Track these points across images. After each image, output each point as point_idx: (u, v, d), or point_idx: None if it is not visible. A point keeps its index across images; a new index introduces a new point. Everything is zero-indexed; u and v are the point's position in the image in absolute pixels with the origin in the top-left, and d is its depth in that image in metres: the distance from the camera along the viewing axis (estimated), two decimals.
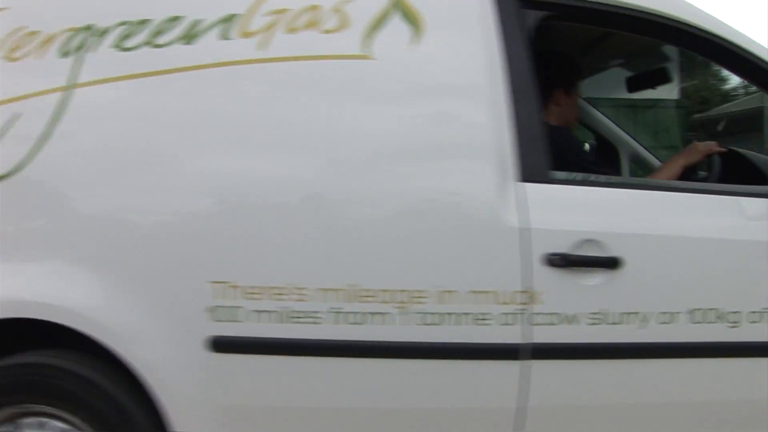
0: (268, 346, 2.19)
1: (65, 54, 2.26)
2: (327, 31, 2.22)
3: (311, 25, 2.23)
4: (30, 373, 2.21)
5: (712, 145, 2.81)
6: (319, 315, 2.15)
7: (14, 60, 2.27)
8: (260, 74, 2.24)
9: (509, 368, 2.17)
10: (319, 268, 2.17)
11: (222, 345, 2.17)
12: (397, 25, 2.21)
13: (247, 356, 2.20)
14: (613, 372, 2.23)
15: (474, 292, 2.14)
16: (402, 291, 2.15)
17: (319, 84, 2.24)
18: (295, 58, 2.23)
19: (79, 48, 2.26)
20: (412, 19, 2.21)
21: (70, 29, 2.27)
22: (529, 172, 2.18)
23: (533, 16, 2.29)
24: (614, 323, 2.17)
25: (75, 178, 2.24)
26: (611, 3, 2.32)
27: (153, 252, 2.21)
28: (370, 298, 2.15)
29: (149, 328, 2.18)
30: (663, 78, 3.51)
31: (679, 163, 2.75)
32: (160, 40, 2.24)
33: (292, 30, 2.22)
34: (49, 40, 2.27)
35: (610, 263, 2.15)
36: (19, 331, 2.20)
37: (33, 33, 2.28)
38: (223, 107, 2.23)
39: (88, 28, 2.27)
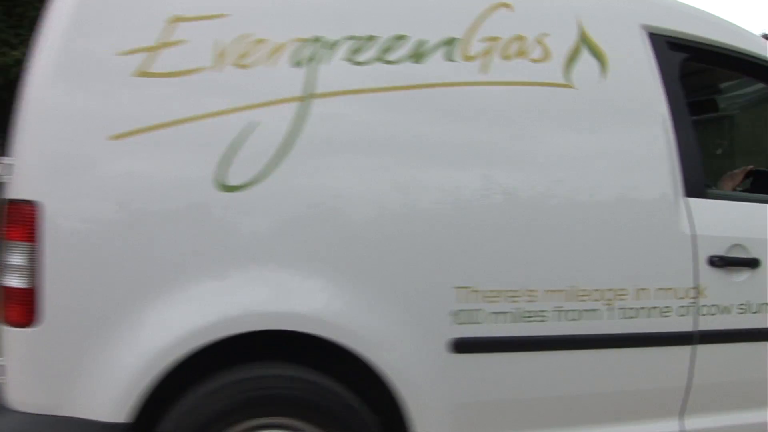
0: (503, 344, 2.44)
1: (298, 64, 2.32)
2: (534, 60, 2.52)
3: (521, 54, 2.51)
4: (265, 386, 2.24)
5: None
6: (545, 313, 2.44)
7: (244, 67, 2.29)
8: (482, 96, 2.48)
9: (683, 352, 2.60)
10: (545, 272, 2.46)
11: (463, 346, 2.37)
12: (587, 58, 2.55)
13: (484, 355, 2.42)
14: (755, 352, 2.73)
15: (661, 289, 2.56)
16: (609, 290, 2.51)
17: (533, 107, 2.53)
18: (512, 83, 2.50)
19: (312, 59, 2.32)
20: (598, 54, 2.60)
21: (299, 39, 2.33)
22: (691, 188, 2.63)
23: (678, 57, 2.76)
24: (755, 312, 2.68)
25: (317, 190, 2.31)
26: (745, 51, 2.85)
27: (400, 263, 2.34)
28: (585, 297, 2.48)
29: (396, 333, 2.32)
30: (712, 108, 4.01)
31: (729, 185, 3.37)
32: (391, 57, 2.39)
33: (506, 57, 2.49)
34: (279, 49, 2.31)
35: (752, 263, 2.66)
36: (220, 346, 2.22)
37: (260, 41, 2.30)
38: (451, 125, 2.44)
39: (317, 39, 2.34)
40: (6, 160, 2.25)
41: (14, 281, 2.17)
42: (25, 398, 2.21)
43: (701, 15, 2.91)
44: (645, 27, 2.71)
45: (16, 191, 2.17)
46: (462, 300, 2.36)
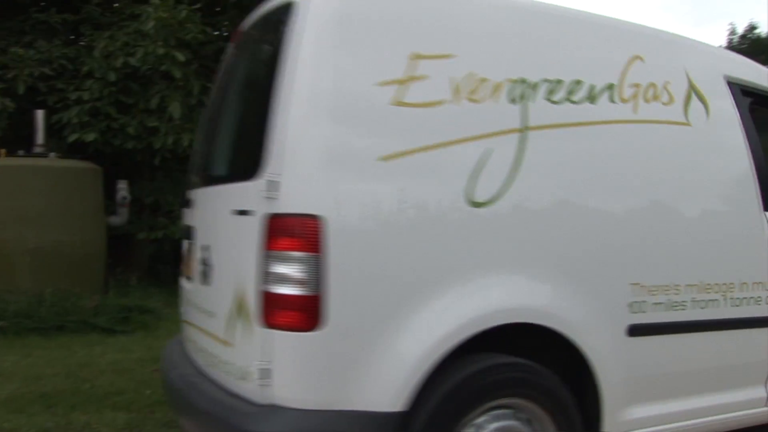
0: (660, 328, 3.20)
1: (513, 101, 2.90)
2: (664, 104, 3.36)
3: (656, 98, 3.32)
4: (512, 370, 2.77)
5: None
6: (685, 303, 3.29)
7: (475, 101, 2.81)
8: (635, 131, 3.25)
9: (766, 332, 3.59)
10: (684, 270, 3.32)
11: (635, 330, 3.12)
12: (696, 102, 3.45)
13: (647, 338, 3.17)
14: None
15: (755, 282, 3.52)
16: (724, 284, 3.41)
17: (667, 140, 3.35)
18: (653, 121, 3.31)
19: (522, 97, 2.91)
20: (702, 99, 3.49)
21: (510, 80, 2.90)
22: (766, 204, 3.61)
23: (747, 101, 3.71)
24: None
25: (539, 208, 2.92)
26: None
27: (595, 266, 3.05)
28: (710, 290, 3.37)
29: (591, 321, 2.97)
30: None
31: None
32: (575, 98, 3.06)
33: (647, 100, 3.29)
34: (498, 87, 2.87)
35: None
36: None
37: (484, 80, 2.83)
38: (622, 156, 3.21)
39: (523, 80, 2.93)
40: (270, 177, 2.56)
41: (294, 290, 2.46)
42: (302, 396, 2.47)
43: (760, 69, 3.94)
44: (726, 77, 3.64)
45: (296, 206, 2.49)
46: (635, 294, 3.12)
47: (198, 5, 9.95)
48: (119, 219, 9.81)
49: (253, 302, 2.57)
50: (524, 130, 2.87)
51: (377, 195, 2.57)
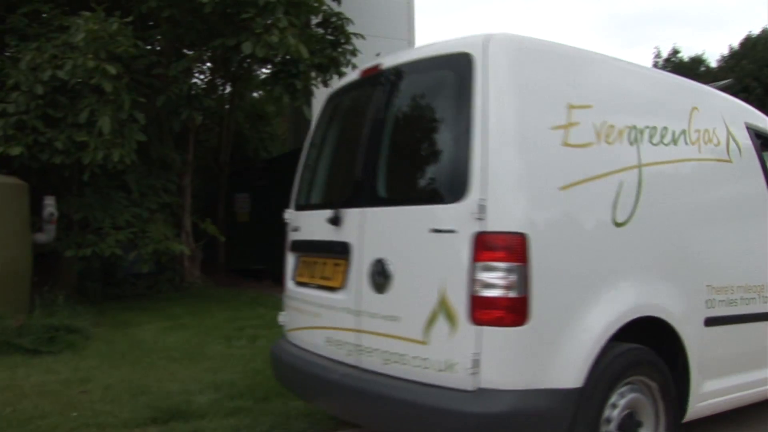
0: (725, 320, 4.07)
1: (630, 143, 3.70)
2: (715, 145, 4.26)
3: (709, 141, 4.22)
4: (640, 354, 3.53)
5: None
6: (737, 301, 4.19)
7: (609, 143, 3.59)
8: (702, 167, 4.15)
9: None
10: (736, 275, 4.23)
11: (709, 322, 3.97)
12: (732, 143, 4.39)
13: (715, 327, 3.98)
14: None
15: None
16: (758, 285, 4.34)
17: (719, 173, 4.28)
18: (711, 159, 4.22)
19: (635, 140, 3.72)
20: (736, 140, 4.41)
21: (627, 126, 3.69)
22: None
23: (759, 142, 4.65)
24: None
25: (652, 225, 3.73)
26: None
27: (690, 273, 3.94)
28: (750, 290, 4.29)
29: (686, 315, 3.80)
30: None
31: None
32: (665, 141, 3.90)
33: (706, 142, 4.18)
34: (621, 132, 3.65)
35: None
36: None
37: (612, 126, 3.60)
38: (694, 184, 4.09)
39: (634, 127, 3.73)
40: (479, 201, 3.13)
41: (503, 293, 3.05)
42: (508, 380, 3.04)
43: (764, 117, 4.90)
44: (746, 123, 4.59)
45: (504, 226, 3.10)
46: (709, 293, 4.00)
47: (130, 18, 9.78)
48: (46, 236, 9.53)
49: (459, 305, 3.11)
50: (640, 166, 3.68)
51: (559, 216, 3.31)
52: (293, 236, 4.43)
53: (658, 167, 3.78)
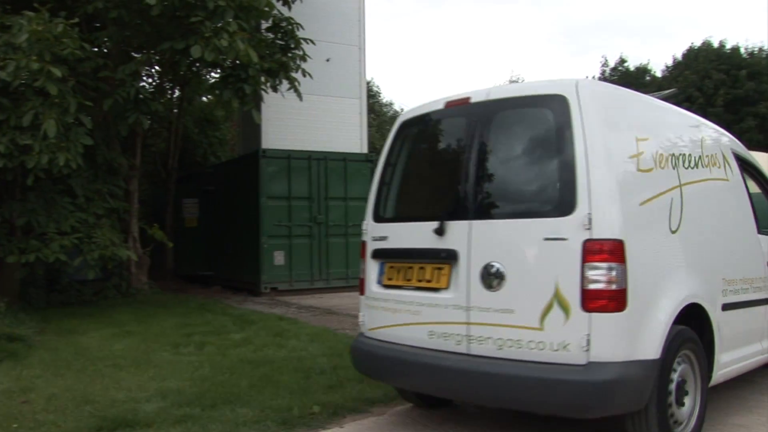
0: (733, 305, 5.01)
1: (673, 167, 4.58)
2: (718, 167, 5.21)
3: (714, 164, 5.16)
4: (686, 333, 4.37)
5: None
6: (738, 290, 5.15)
7: (662, 168, 4.48)
8: (713, 185, 5.10)
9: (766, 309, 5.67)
10: (737, 270, 5.18)
11: (725, 307, 4.88)
12: (727, 166, 5.39)
13: (730, 311, 4.93)
14: None
15: (759, 277, 5.48)
16: (749, 278, 5.30)
17: (722, 190, 5.24)
18: (718, 179, 5.18)
19: (675, 165, 4.61)
20: (729, 163, 5.42)
21: (670, 154, 4.59)
22: (759, 229, 5.63)
23: (740, 163, 5.73)
24: None
25: (691, 232, 4.58)
26: (756, 166, 6.13)
27: (715, 269, 4.88)
28: (744, 282, 5.23)
29: (712, 301, 4.70)
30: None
31: None
32: (691, 165, 4.80)
33: (713, 165, 5.14)
34: (667, 159, 4.54)
35: None
36: None
37: (661, 154, 4.50)
38: (710, 198, 5.04)
39: (672, 154, 4.63)
40: (588, 215, 3.90)
41: (609, 286, 3.82)
42: (613, 354, 3.82)
43: (741, 144, 5.99)
44: (731, 149, 5.62)
45: (608, 234, 3.87)
46: (724, 284, 4.95)
47: (76, 20, 9.62)
48: None
49: (572, 297, 3.85)
50: (680, 186, 4.57)
51: (641, 226, 4.14)
52: (377, 245, 5.03)
53: (690, 186, 4.67)
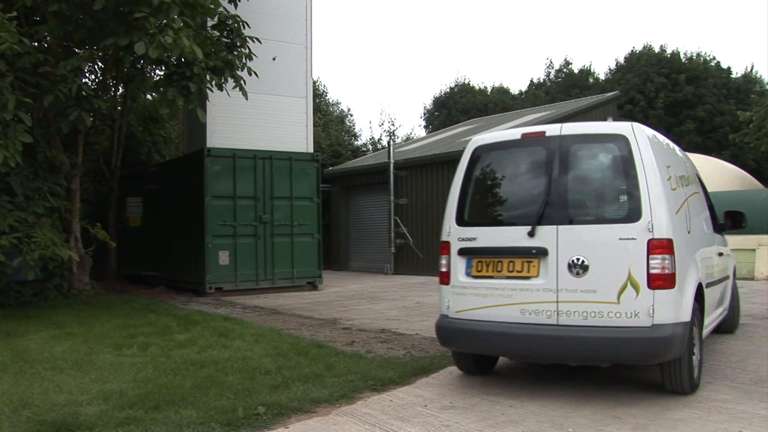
0: (709, 284, 6.57)
1: (683, 186, 6.15)
2: (695, 183, 7.08)
3: (694, 182, 7.02)
4: (695, 303, 5.91)
5: None
6: (710, 274, 6.92)
7: (681, 186, 6.05)
8: (698, 197, 6.98)
9: (728, 286, 8.25)
10: (708, 260, 6.92)
11: (707, 285, 6.38)
12: (699, 182, 7.46)
13: (708, 288, 6.44)
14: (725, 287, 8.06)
15: (714, 265, 7.22)
16: (711, 265, 7.06)
17: (700, 201, 7.09)
18: (698, 193, 7.07)
19: (683, 185, 6.17)
20: (701, 180, 7.54)
21: (680, 176, 6.14)
22: (715, 228, 7.80)
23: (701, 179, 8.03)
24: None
25: (694, 234, 6.27)
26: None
27: (701, 256, 6.33)
28: (712, 269, 7.10)
29: (704, 281, 6.15)
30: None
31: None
32: (687, 183, 6.44)
33: (694, 182, 6.97)
34: (681, 179, 6.17)
35: (720, 254, 7.78)
36: None
37: (677, 177, 6.00)
38: (698, 208, 6.82)
39: (681, 176, 6.25)
40: (650, 221, 5.32)
41: (665, 271, 5.22)
42: (668, 318, 5.22)
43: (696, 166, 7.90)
44: (695, 170, 7.48)
45: (664, 234, 5.25)
46: (704, 270, 6.26)
47: (14, 13, 9.40)
48: None
49: (641, 279, 5.22)
50: (686, 199, 6.11)
51: (678, 228, 5.51)
52: (464, 244, 6.15)
53: (690, 198, 6.29)
